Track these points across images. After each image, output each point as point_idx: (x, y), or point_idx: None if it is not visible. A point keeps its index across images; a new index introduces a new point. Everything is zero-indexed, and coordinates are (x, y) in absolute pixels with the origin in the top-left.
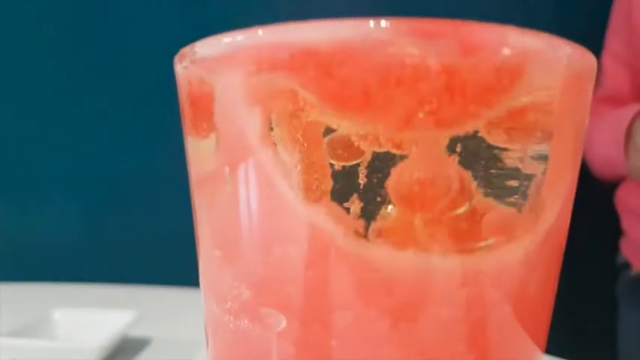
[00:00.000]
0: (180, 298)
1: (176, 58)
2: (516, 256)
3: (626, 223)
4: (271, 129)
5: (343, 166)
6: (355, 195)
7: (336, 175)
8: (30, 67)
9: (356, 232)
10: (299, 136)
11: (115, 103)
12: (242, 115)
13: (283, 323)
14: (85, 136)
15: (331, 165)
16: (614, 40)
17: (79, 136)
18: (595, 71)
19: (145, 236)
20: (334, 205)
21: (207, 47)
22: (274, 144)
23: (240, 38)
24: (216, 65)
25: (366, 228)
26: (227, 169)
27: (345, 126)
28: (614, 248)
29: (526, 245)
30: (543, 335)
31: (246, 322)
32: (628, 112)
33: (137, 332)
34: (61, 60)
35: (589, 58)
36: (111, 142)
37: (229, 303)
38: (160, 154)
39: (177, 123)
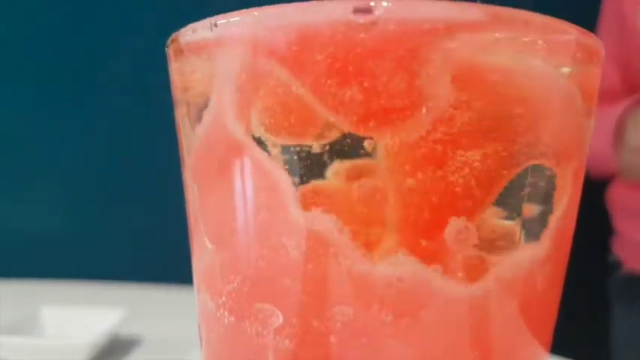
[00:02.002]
0: (171, 296)
1: (168, 43)
2: (525, 252)
3: (618, 221)
4: (266, 121)
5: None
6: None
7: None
8: (17, 61)
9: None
10: (296, 127)
11: (103, 98)
12: (238, 104)
13: (280, 319)
14: (73, 131)
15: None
16: (604, 37)
17: (67, 131)
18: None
19: (135, 233)
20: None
21: (199, 30)
22: (270, 135)
23: (235, 20)
24: (210, 49)
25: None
26: (222, 161)
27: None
28: (606, 247)
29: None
30: (548, 335)
31: (241, 317)
32: (617, 109)
33: (127, 330)
34: (48, 54)
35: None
36: (100, 138)
37: (224, 298)
38: (151, 150)
39: (169, 116)
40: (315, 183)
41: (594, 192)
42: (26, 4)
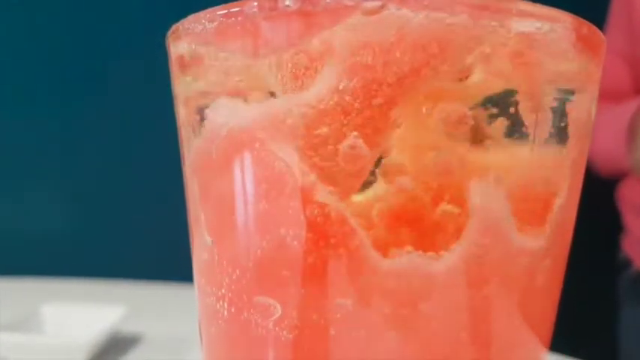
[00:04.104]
0: (171, 294)
1: (168, 35)
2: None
3: (629, 219)
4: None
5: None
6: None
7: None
8: (16, 61)
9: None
10: (301, 117)
11: (103, 97)
12: (239, 93)
13: (279, 311)
14: (73, 129)
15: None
16: (613, 34)
17: (67, 130)
18: (604, 45)
19: (135, 231)
20: (335, 189)
21: (200, 21)
22: (272, 125)
23: (235, 10)
24: (211, 40)
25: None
26: (222, 153)
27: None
28: (615, 245)
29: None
30: (548, 330)
31: (240, 310)
32: (629, 107)
33: (128, 328)
34: (47, 55)
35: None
36: (101, 136)
37: (223, 290)
38: (151, 148)
39: (168, 113)
40: (316, 175)
41: (604, 190)
42: (30, 4)
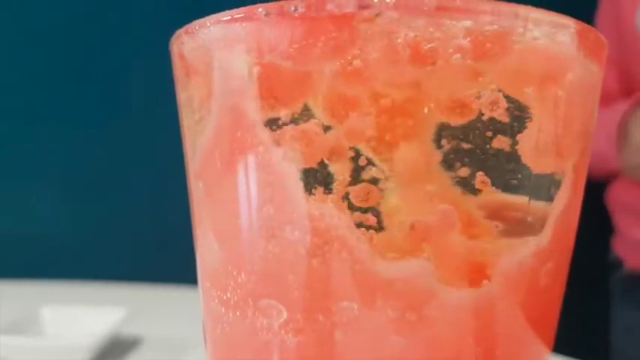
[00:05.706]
0: (171, 296)
1: (172, 40)
2: (528, 247)
3: (619, 220)
4: (273, 114)
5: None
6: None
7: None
8: (17, 63)
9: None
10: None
11: (104, 98)
12: (243, 99)
13: (284, 314)
14: (73, 130)
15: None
16: None
17: (67, 131)
18: (606, 49)
19: (135, 233)
20: (339, 194)
21: (204, 27)
22: (277, 131)
23: (240, 16)
24: (215, 45)
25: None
26: (227, 157)
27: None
28: (606, 246)
29: (538, 236)
30: (551, 331)
31: (246, 313)
32: (618, 108)
33: (128, 330)
34: (49, 57)
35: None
36: (101, 138)
37: (228, 294)
38: (152, 150)
39: (171, 116)
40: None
41: (594, 191)
42: (29, 4)
